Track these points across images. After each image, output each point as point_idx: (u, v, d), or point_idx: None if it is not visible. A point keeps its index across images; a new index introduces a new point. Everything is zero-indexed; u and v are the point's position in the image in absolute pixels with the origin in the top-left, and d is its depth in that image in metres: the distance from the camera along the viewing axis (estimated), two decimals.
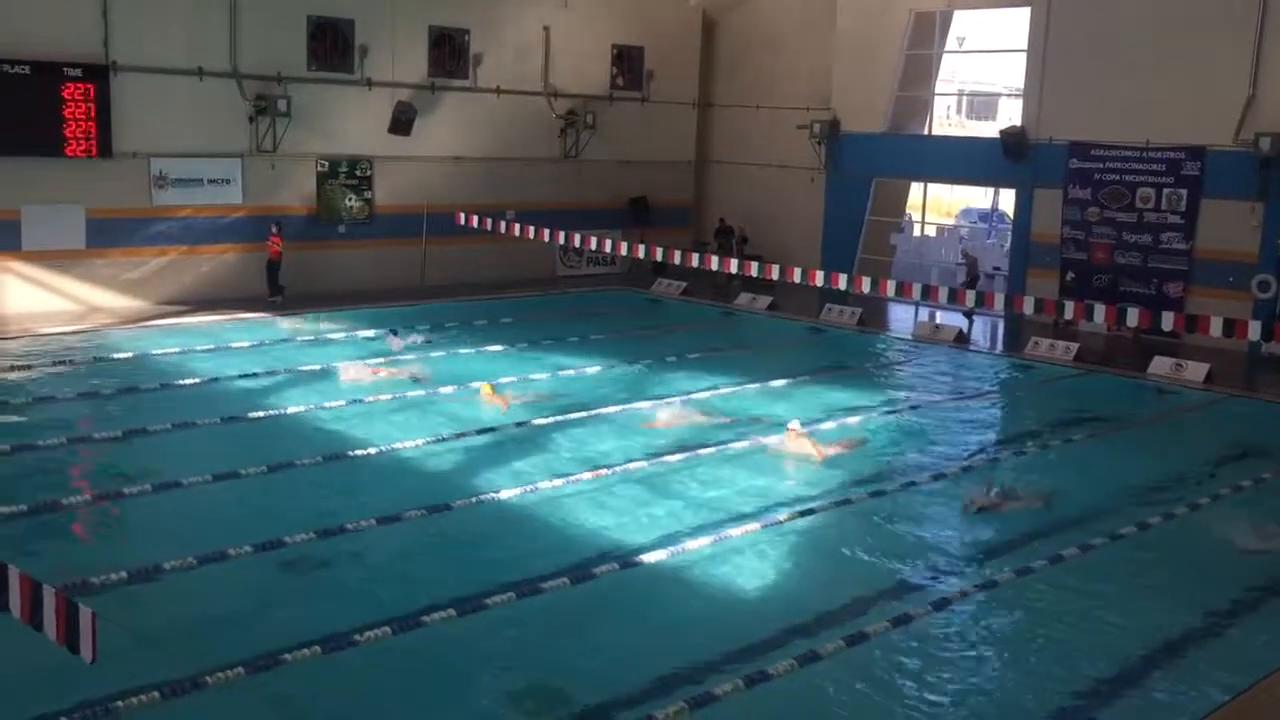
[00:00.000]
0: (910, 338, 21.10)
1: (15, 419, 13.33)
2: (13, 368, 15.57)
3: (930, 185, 27.39)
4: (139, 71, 19.74)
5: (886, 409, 15.68)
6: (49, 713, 6.88)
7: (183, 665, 7.58)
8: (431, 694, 7.68)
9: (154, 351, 16.96)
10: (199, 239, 20.96)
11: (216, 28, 20.60)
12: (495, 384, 15.10)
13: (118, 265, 20.09)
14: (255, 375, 15.77)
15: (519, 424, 13.88)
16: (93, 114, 19.18)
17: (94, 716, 6.88)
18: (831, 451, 13.11)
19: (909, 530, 11.04)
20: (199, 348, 17.34)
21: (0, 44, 18.29)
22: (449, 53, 23.76)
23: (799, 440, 13.04)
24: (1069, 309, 16.12)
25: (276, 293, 20.76)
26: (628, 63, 26.72)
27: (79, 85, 19.03)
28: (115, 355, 16.64)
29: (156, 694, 7.14)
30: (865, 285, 15.98)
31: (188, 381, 15.30)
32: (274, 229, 20.83)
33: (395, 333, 17.93)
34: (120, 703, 7.00)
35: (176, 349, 17.19)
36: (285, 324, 19.36)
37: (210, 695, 7.32)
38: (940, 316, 22.11)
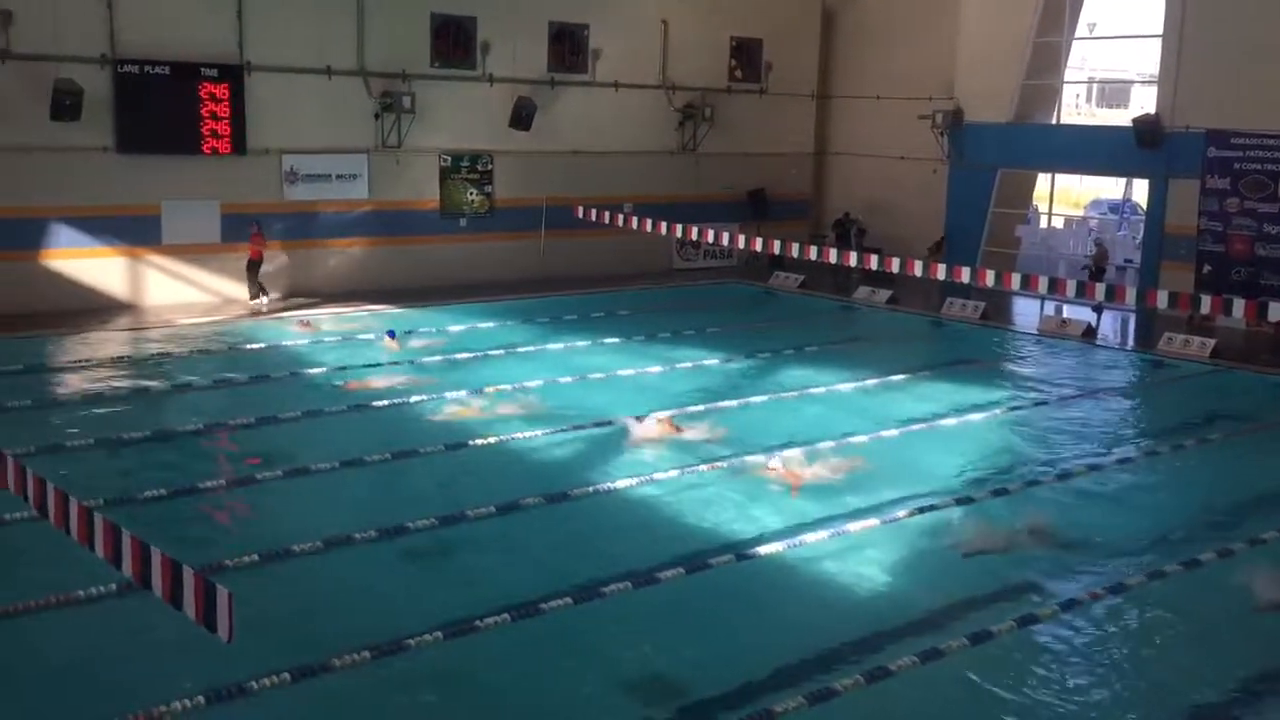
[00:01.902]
0: (1035, 332, 20.54)
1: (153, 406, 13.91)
2: (153, 356, 16.25)
3: (1058, 176, 26.60)
4: (271, 71, 20.37)
5: (1011, 405, 15.31)
6: (186, 689, 7.16)
7: (310, 647, 7.82)
8: (547, 681, 7.76)
9: (284, 342, 17.52)
10: (326, 233, 21.55)
11: (344, 27, 21.14)
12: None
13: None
14: (379, 365, 16.15)
15: (638, 417, 13.91)
16: (228, 113, 19.88)
17: (228, 694, 7.14)
18: (809, 475, 11.88)
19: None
20: (327, 339, 17.83)
21: (142, 46, 19.08)
22: (568, 48, 23.94)
23: (777, 472, 11.87)
24: (1205, 303, 15.45)
25: (258, 294, 20.06)
26: (746, 55, 26.56)
27: (215, 85, 19.73)
28: (248, 345, 17.23)
29: (287, 675, 7.38)
30: (989, 278, 15.60)
31: (316, 370, 15.75)
32: (254, 228, 20.03)
33: (393, 334, 17.49)
34: (254, 682, 7.25)
35: (305, 339, 17.71)
36: (407, 316, 19.76)
37: (337, 677, 7.54)
38: (1067, 311, 21.48)
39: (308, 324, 18.63)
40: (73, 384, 14.90)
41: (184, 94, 19.41)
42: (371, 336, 17.97)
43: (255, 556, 9.40)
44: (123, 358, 16.23)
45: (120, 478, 11.30)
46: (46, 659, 7.88)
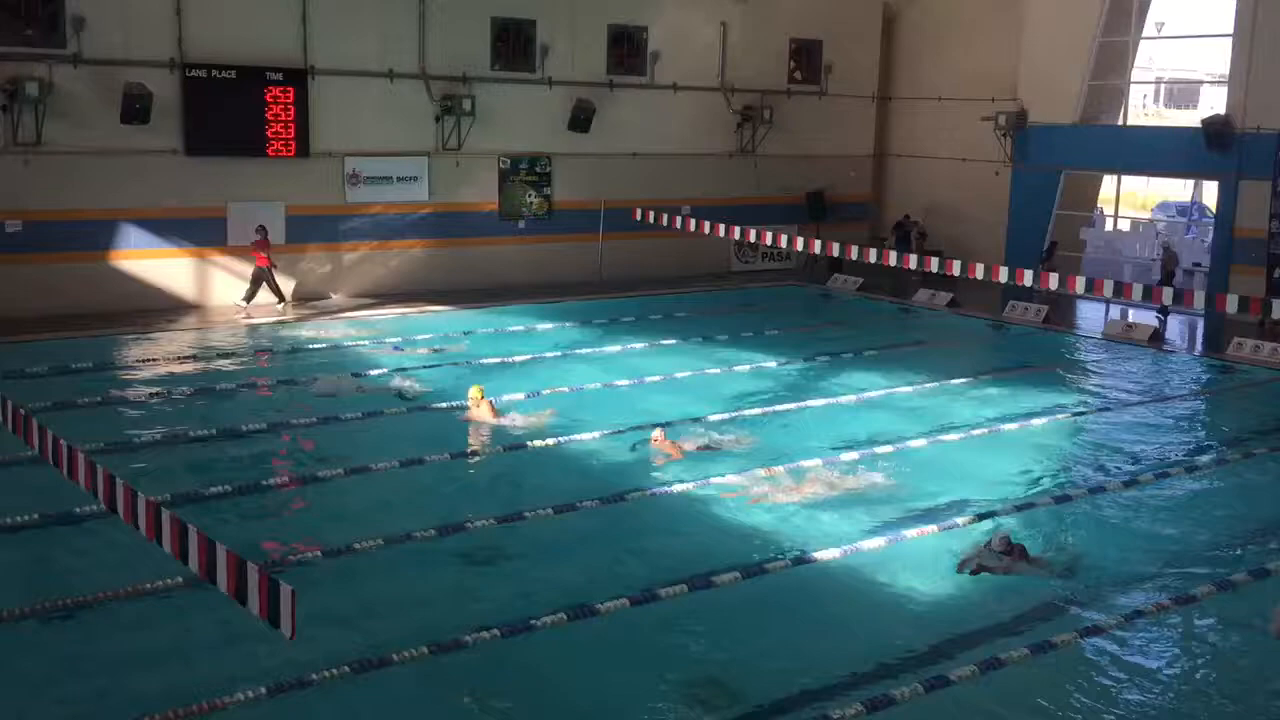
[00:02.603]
0: (1100, 336, 20.21)
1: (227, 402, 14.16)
2: (217, 356, 16.53)
3: (1124, 178, 26.14)
4: (335, 75, 20.64)
5: (1075, 410, 15.08)
6: (250, 679, 7.27)
7: (371, 642, 7.91)
8: (604, 682, 7.78)
9: (345, 343, 17.73)
10: (388, 234, 21.78)
11: (406, 31, 21.35)
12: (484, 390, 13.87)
13: (313, 259, 21.08)
14: (439, 366, 16.28)
15: (694, 419, 13.91)
16: (292, 116, 20.17)
17: (290, 686, 7.25)
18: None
19: (1095, 538, 10.57)
20: (387, 339, 18.02)
21: (209, 51, 19.43)
22: (627, 50, 23.99)
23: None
24: (1277, 308, 15.09)
25: (251, 298, 19.62)
26: (806, 56, 26.42)
27: (280, 89, 20.03)
28: (310, 345, 17.46)
29: (347, 668, 7.47)
30: (1052, 281, 15.34)
31: (376, 371, 15.92)
32: (258, 234, 19.62)
33: (399, 348, 17.31)
34: (314, 675, 7.35)
35: (366, 340, 17.92)
36: (466, 317, 19.91)
37: (396, 672, 7.62)
38: (1133, 315, 21.10)
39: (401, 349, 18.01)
40: (140, 382, 15.20)
41: (250, 97, 19.73)
42: (430, 336, 18.11)
43: (317, 553, 9.52)
44: (188, 356, 16.53)
45: (186, 474, 11.50)
46: (115, 648, 8.06)
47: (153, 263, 19.58)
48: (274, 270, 19.86)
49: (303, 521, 10.86)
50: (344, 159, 21.05)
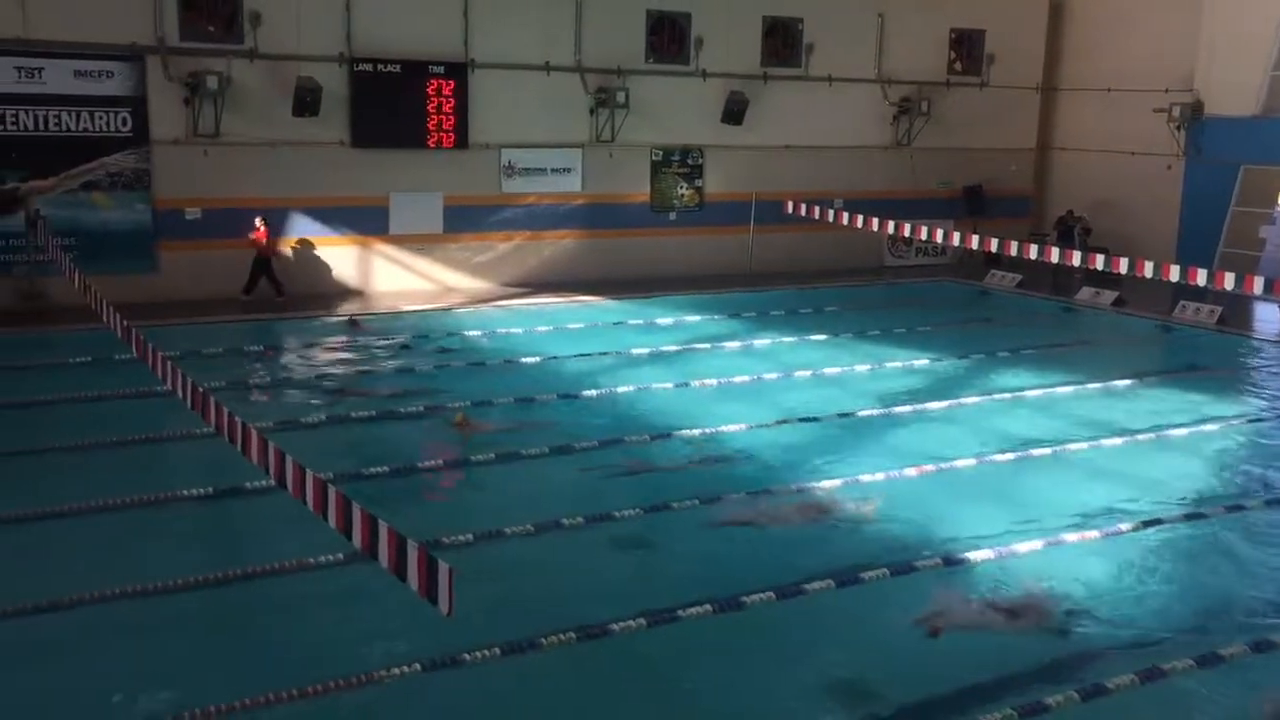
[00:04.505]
0: (1278, 340, 19.14)
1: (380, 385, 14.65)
2: (378, 341, 17.10)
3: None
4: (493, 68, 21.08)
5: (1251, 417, 14.33)
6: (406, 657, 7.52)
7: (520, 625, 8.07)
8: (746, 675, 7.75)
9: (499, 330, 18.11)
10: (542, 225, 22.15)
11: (564, 25, 21.65)
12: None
13: (470, 249, 21.60)
14: (589, 355, 16.49)
15: (843, 415, 13.75)
16: (452, 108, 20.70)
17: (443, 664, 7.46)
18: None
19: (1269, 552, 10.02)
20: (539, 328, 18.34)
21: (375, 46, 20.08)
22: (782, 41, 23.80)
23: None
24: None
25: (252, 289, 19.32)
26: (967, 46, 25.77)
27: (441, 82, 20.57)
28: (466, 333, 17.90)
29: (498, 650, 7.65)
30: (1228, 281, 14.60)
31: (529, 360, 16.22)
32: (259, 222, 19.16)
33: (354, 323, 17.79)
34: (467, 655, 7.55)
35: (519, 328, 18.27)
36: (617, 308, 20.10)
37: (544, 656, 7.76)
38: None
39: (357, 324, 18.21)
40: (306, 364, 15.84)
41: (413, 90, 20.32)
42: (581, 326, 18.36)
43: (469, 535, 9.77)
44: (351, 341, 17.13)
45: (347, 454, 11.92)
46: (281, 619, 8.42)
47: (320, 249, 20.37)
48: (275, 261, 19.46)
49: (455, 503, 11.15)
50: (500, 150, 21.49)
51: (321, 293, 20.03)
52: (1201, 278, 14.24)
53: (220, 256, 19.18)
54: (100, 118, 18.30)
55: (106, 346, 13.36)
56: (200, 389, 8.30)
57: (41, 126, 17.92)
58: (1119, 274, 15.29)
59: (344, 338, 17.27)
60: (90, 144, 18.31)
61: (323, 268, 20.40)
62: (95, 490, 10.44)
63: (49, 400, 13.37)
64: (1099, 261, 15.51)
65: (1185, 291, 19.82)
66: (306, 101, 19.16)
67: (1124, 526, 10.34)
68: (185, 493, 10.60)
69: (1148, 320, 20.48)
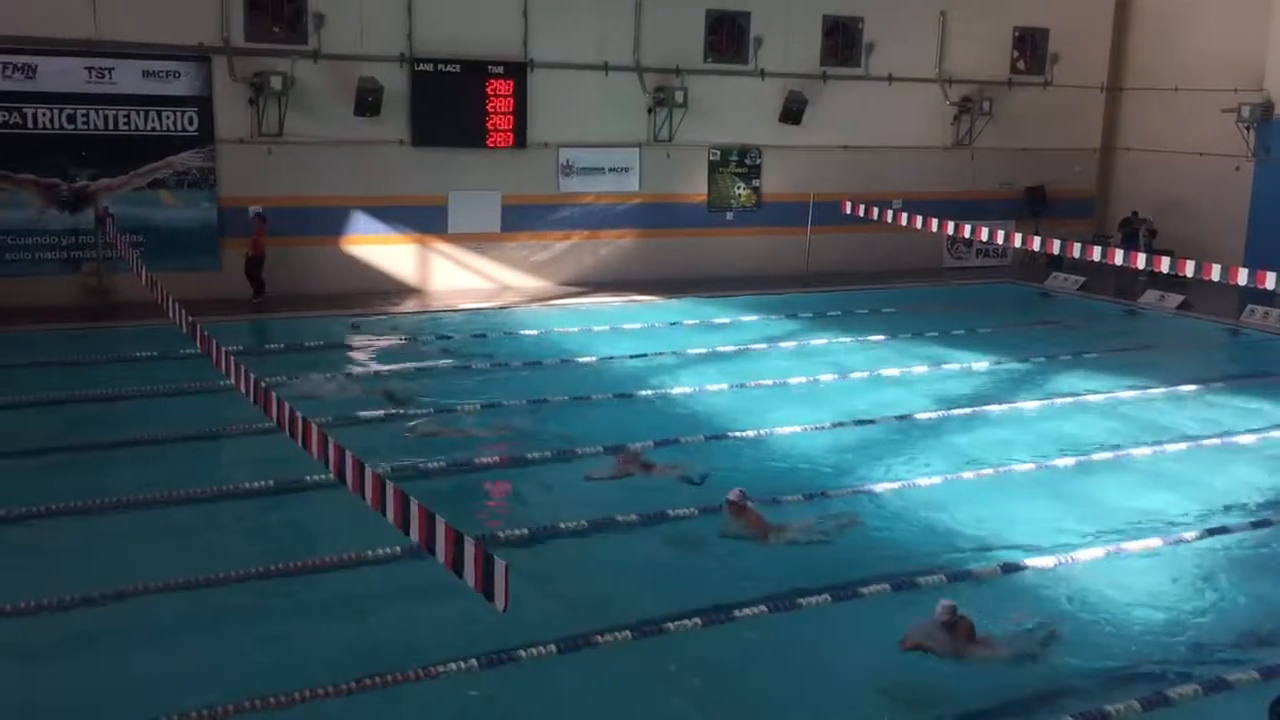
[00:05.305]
0: None
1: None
2: (436, 339, 17.24)
3: None
4: (552, 68, 21.16)
5: None
6: (461, 654, 7.57)
7: (576, 622, 8.11)
8: (801, 675, 7.73)
9: (556, 329, 18.19)
10: (598, 224, 22.20)
11: (622, 25, 21.67)
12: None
13: (527, 248, 21.70)
14: (645, 355, 16.50)
15: (900, 417, 13.64)
16: (511, 108, 20.81)
17: (499, 661, 7.51)
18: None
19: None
20: (596, 327, 18.38)
21: (435, 46, 20.24)
22: (842, 41, 23.64)
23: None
24: None
25: (260, 292, 18.93)
26: (1030, 45, 25.41)
27: (501, 81, 20.69)
28: (522, 331, 17.99)
29: (554, 647, 7.69)
30: None
31: (585, 359, 16.26)
32: (259, 221, 18.95)
33: (356, 327, 17.42)
34: (522, 651, 7.60)
35: (576, 327, 18.33)
36: (673, 307, 20.08)
37: (599, 654, 7.80)
38: None
39: (357, 328, 17.90)
40: (365, 360, 16.01)
41: (472, 90, 20.45)
42: (638, 326, 18.38)
43: (525, 531, 9.82)
44: (410, 338, 17.29)
45: (404, 449, 12.03)
46: (338, 612, 8.53)
47: (379, 248, 20.58)
48: (262, 261, 19.00)
49: (511, 499, 11.21)
50: (558, 150, 21.56)
51: (380, 290, 20.24)
52: (1270, 281, 13.93)
53: (281, 253, 19.43)
54: (168, 117, 18.65)
55: (172, 342, 13.65)
56: (262, 384, 8.44)
57: (111, 126, 18.29)
58: (1185, 277, 15.05)
59: (402, 336, 17.40)
60: (158, 143, 18.67)
61: (381, 266, 20.59)
62: (159, 483, 10.65)
63: (116, 395, 13.65)
64: (1164, 264, 15.25)
65: (1254, 295, 19.36)
66: (368, 101, 19.37)
67: (1188, 534, 10.15)
68: (247, 486, 10.77)
69: (1214, 324, 20.07)
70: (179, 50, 18.61)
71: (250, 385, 8.63)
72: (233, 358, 9.10)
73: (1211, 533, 10.21)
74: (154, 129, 18.59)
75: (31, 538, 9.74)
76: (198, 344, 10.11)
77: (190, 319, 10.48)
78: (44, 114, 17.83)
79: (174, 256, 18.12)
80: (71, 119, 18.03)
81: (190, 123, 18.82)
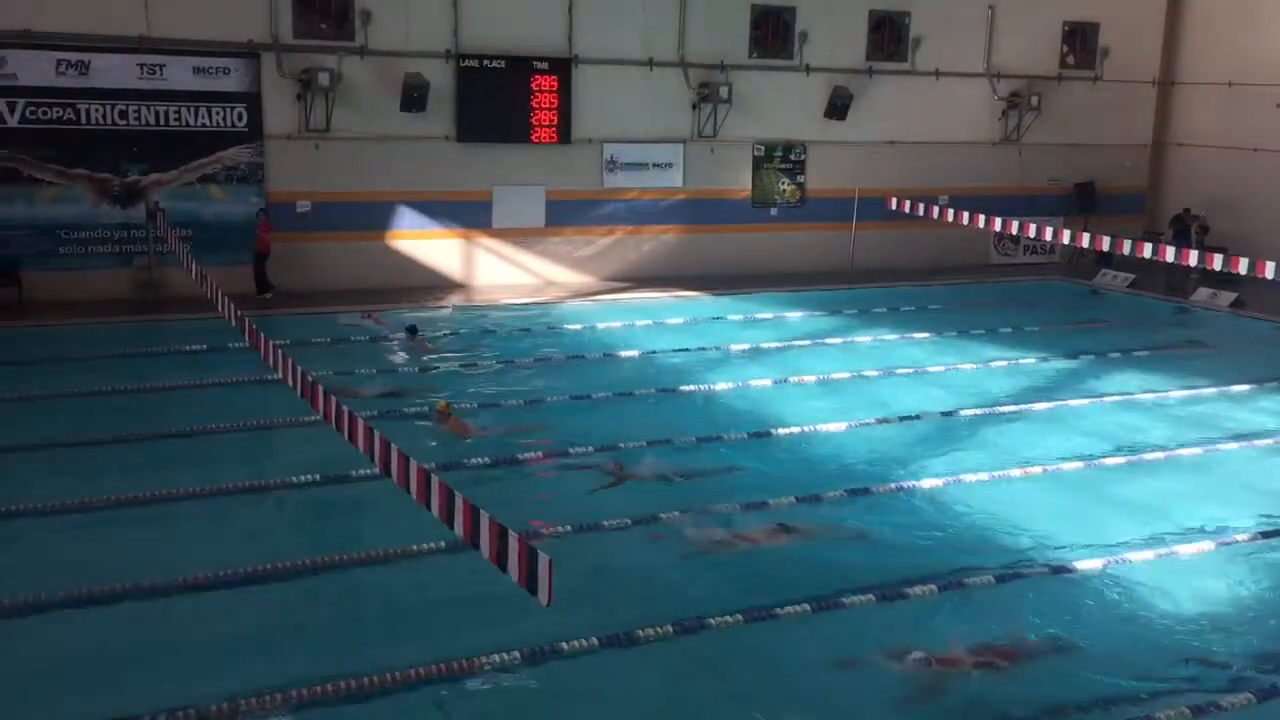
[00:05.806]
0: None
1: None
2: (480, 333, 17.32)
3: None
4: (596, 64, 21.17)
5: None
6: (504, 646, 7.60)
7: (617, 617, 8.11)
8: (837, 676, 7.68)
9: (599, 324, 18.20)
10: (642, 219, 22.19)
11: (667, 19, 21.64)
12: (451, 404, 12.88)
13: (571, 243, 21.75)
14: (688, 351, 16.48)
15: (945, 413, 13.53)
16: (555, 104, 20.84)
17: (542, 655, 7.53)
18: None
19: None
20: (638, 323, 18.38)
21: (481, 42, 20.33)
22: (888, 36, 23.46)
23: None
24: None
25: (265, 290, 18.77)
26: (1080, 40, 25.08)
27: (545, 78, 20.73)
28: (566, 326, 18.03)
29: (595, 640, 7.70)
30: None
31: (628, 354, 16.27)
32: (263, 216, 18.98)
33: (415, 331, 16.65)
34: (564, 644, 7.61)
35: (619, 323, 18.33)
36: (717, 303, 20.04)
37: (640, 649, 7.79)
38: None
39: (371, 317, 17.97)
40: (411, 355, 16.10)
41: (517, 86, 20.52)
42: (681, 321, 18.37)
43: (567, 527, 9.84)
44: (455, 333, 17.38)
45: (446, 445, 12.10)
46: (381, 604, 8.59)
47: (424, 243, 20.70)
48: (266, 258, 18.91)
49: (554, 494, 11.23)
50: (602, 145, 21.58)
51: (424, 285, 20.35)
52: None
53: (328, 248, 19.61)
54: (217, 113, 18.87)
55: (221, 335, 13.81)
56: (309, 377, 8.51)
57: (162, 122, 18.54)
58: (1238, 274, 14.78)
59: (447, 330, 17.49)
60: (208, 138, 18.90)
61: (426, 261, 20.71)
62: (207, 475, 10.78)
63: (166, 387, 13.84)
64: (1217, 261, 15.00)
65: None
66: (414, 97, 19.48)
67: (1240, 537, 9.98)
68: (293, 479, 10.88)
69: (1268, 323, 19.72)
70: (229, 47, 18.83)
71: (298, 378, 8.70)
72: (280, 351, 9.18)
73: (1265, 535, 10.03)
74: (204, 125, 18.83)
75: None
76: (245, 337, 10.22)
77: (239, 313, 10.60)
78: (97, 110, 18.12)
79: (223, 250, 18.36)
80: (124, 115, 18.30)
81: (239, 119, 19.04)
